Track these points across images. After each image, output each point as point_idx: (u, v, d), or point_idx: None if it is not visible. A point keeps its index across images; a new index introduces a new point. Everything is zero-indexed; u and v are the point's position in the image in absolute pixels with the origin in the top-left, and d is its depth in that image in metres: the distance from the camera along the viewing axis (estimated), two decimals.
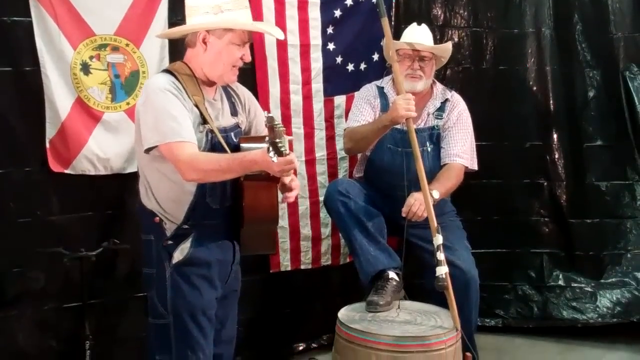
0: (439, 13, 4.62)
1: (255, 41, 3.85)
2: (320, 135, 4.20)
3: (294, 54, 4.04)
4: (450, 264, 3.33)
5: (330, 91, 4.20)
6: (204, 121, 2.73)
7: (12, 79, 3.25)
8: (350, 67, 4.24)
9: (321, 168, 4.22)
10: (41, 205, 3.38)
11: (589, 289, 4.61)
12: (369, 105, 3.86)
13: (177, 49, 3.22)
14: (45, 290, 3.41)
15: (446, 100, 3.89)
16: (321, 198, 4.14)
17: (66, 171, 3.37)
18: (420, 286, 3.80)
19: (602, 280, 4.60)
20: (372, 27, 4.16)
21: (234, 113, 2.93)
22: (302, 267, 4.24)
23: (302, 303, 4.32)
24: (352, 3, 4.18)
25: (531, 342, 4.56)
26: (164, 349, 2.80)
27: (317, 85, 4.15)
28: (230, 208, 2.81)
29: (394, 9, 4.43)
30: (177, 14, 3.48)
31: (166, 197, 2.76)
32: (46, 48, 3.26)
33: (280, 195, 2.80)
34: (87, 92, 3.38)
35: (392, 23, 4.39)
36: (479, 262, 3.74)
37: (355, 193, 3.67)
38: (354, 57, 4.25)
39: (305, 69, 4.09)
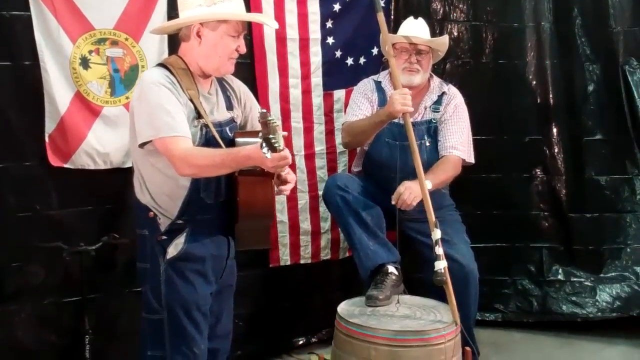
0: (438, 7, 4.61)
1: (254, 35, 3.85)
2: (319, 129, 4.20)
3: (293, 48, 4.04)
4: (449, 258, 3.33)
5: (329, 85, 4.20)
6: (199, 115, 2.72)
7: (12, 73, 3.25)
8: (350, 61, 4.24)
9: (320, 162, 4.22)
10: (40, 199, 3.37)
11: (589, 284, 4.62)
12: (366, 99, 3.86)
13: (176, 43, 3.19)
14: (45, 285, 3.41)
15: (443, 93, 3.89)
16: (321, 192, 4.13)
17: (65, 165, 3.37)
18: (419, 280, 3.80)
19: (601, 275, 4.61)
20: (371, 21, 4.13)
21: (230, 107, 2.92)
22: (302, 261, 4.24)
23: (301, 297, 4.33)
24: None
25: (530, 337, 4.56)
26: (156, 345, 2.79)
27: (317, 79, 4.15)
28: (225, 203, 2.80)
29: (393, 3, 4.43)
30: (176, 8, 3.41)
31: (160, 191, 2.75)
32: (45, 42, 3.25)
33: (276, 189, 2.79)
34: (86, 86, 3.37)
35: (392, 17, 4.40)
36: (478, 256, 3.74)
37: (353, 187, 3.66)
38: (353, 51, 4.25)
39: (305, 63, 4.09)
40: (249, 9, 3.68)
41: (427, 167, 3.60)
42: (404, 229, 3.71)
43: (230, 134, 2.81)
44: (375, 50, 4.28)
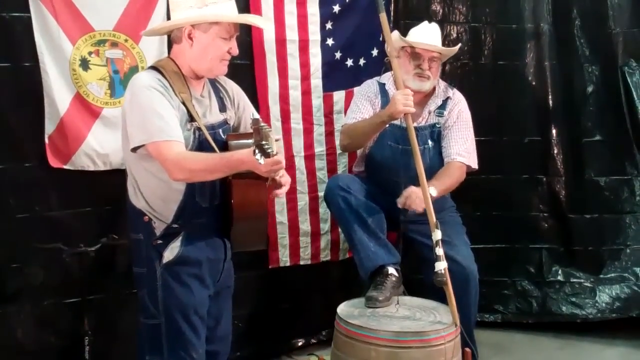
0: (438, 8, 4.62)
1: (254, 37, 3.85)
2: (319, 130, 4.20)
3: (292, 49, 4.04)
4: (449, 259, 3.32)
5: (329, 87, 4.20)
6: (191, 119, 2.70)
7: (11, 74, 3.24)
8: (349, 62, 4.24)
9: (320, 163, 4.22)
10: (40, 201, 3.37)
11: (588, 285, 4.62)
12: (369, 102, 3.84)
13: None
14: (45, 286, 3.40)
15: (448, 98, 3.88)
16: (320, 193, 4.14)
17: (65, 167, 3.37)
18: (419, 282, 3.80)
19: (601, 276, 4.61)
20: (371, 22, 4.16)
21: (223, 109, 2.90)
22: (302, 262, 4.24)
23: (301, 299, 4.32)
24: None
25: (530, 338, 4.56)
26: (154, 350, 2.78)
27: (316, 80, 4.15)
28: (220, 206, 2.79)
29: (392, 4, 4.43)
30: None
31: (154, 195, 2.73)
32: (45, 44, 3.25)
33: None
34: (86, 87, 3.37)
35: (391, 18, 4.39)
36: (478, 257, 3.75)
37: (355, 188, 3.66)
38: (353, 52, 4.25)
39: (304, 65, 4.09)
40: (248, 10, 3.70)
41: (430, 171, 3.59)
42: (405, 231, 3.72)
43: (223, 136, 2.80)
44: (375, 52, 4.28)
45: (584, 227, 4.64)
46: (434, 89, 3.88)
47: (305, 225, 4.21)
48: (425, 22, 3.91)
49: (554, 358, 4.31)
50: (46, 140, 3.31)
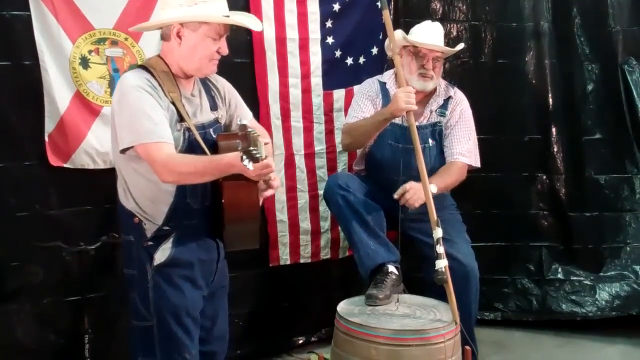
0: (438, 7, 4.61)
1: (254, 35, 3.85)
2: (319, 129, 4.20)
3: (292, 47, 4.03)
4: (450, 257, 3.32)
5: (329, 85, 4.19)
6: (181, 119, 2.67)
7: (11, 73, 3.25)
8: (349, 60, 4.23)
9: (320, 162, 4.22)
10: (40, 199, 3.38)
11: (588, 283, 4.62)
12: (370, 102, 3.84)
13: None
14: (45, 284, 3.41)
15: (449, 97, 3.88)
16: (320, 192, 4.14)
17: (65, 165, 3.37)
18: (419, 280, 3.80)
19: (601, 274, 4.61)
20: (371, 20, 4.16)
21: (214, 107, 2.87)
22: (302, 261, 4.24)
23: (301, 297, 4.32)
24: None
25: (530, 336, 4.56)
26: (147, 352, 2.76)
27: (316, 79, 4.14)
28: (211, 207, 2.76)
29: (393, 2, 4.41)
30: None
31: (144, 196, 2.71)
32: (45, 42, 3.26)
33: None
34: (86, 86, 3.37)
35: (391, 16, 4.38)
36: (478, 255, 3.74)
37: (355, 187, 3.66)
38: (353, 50, 4.24)
39: (304, 63, 4.09)
40: (248, 8, 3.70)
41: (431, 169, 3.59)
42: (405, 229, 3.71)
43: (214, 136, 2.77)
44: (375, 50, 4.28)
45: (584, 225, 4.64)
46: (436, 88, 3.87)
47: (305, 224, 4.21)
48: (428, 21, 3.90)
49: (553, 356, 4.31)
50: (46, 139, 3.32)
